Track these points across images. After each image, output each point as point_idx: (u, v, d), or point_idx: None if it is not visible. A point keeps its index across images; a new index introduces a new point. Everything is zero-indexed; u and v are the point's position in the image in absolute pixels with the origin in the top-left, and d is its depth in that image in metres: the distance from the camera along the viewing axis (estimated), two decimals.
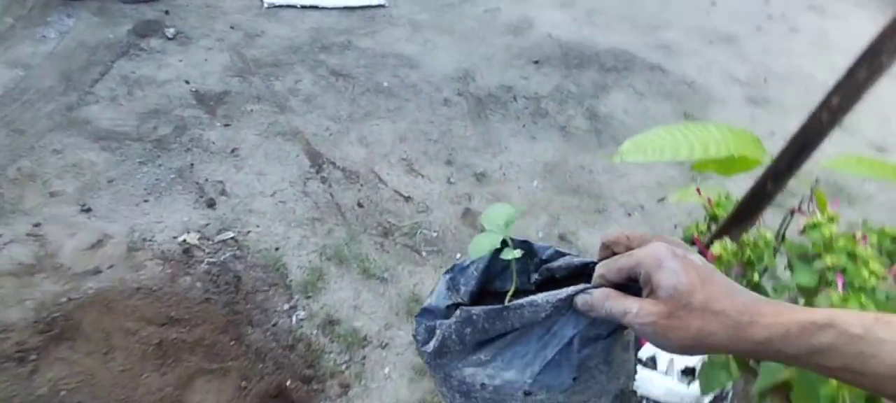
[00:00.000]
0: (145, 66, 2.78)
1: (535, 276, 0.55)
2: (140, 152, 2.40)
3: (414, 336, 0.55)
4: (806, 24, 4.75)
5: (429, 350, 0.52)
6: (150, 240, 2.12)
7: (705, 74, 3.79)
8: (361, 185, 2.52)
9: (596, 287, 0.46)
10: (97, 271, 1.99)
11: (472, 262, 0.55)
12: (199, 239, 2.17)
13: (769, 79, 3.91)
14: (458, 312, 0.50)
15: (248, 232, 2.23)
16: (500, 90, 3.23)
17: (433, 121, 2.92)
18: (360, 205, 2.44)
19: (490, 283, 0.56)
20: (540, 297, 0.47)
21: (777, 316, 0.39)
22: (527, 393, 0.48)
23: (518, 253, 0.53)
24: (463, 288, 0.55)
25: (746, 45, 4.25)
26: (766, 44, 4.32)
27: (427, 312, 0.55)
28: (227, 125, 2.61)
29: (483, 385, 0.49)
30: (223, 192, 2.34)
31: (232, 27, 3.17)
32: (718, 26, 4.39)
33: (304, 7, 3.41)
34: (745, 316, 0.40)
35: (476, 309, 0.49)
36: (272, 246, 2.20)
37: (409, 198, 2.51)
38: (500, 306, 0.48)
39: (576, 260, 0.52)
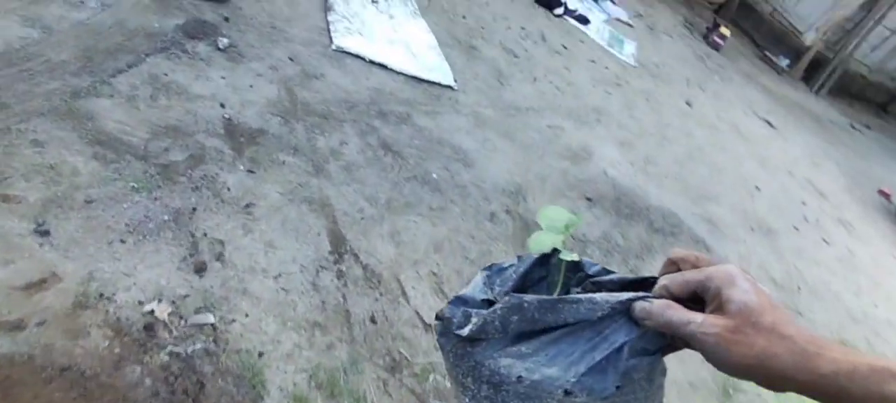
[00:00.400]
0: (182, 72, 2.24)
1: (576, 290, 0.49)
2: (138, 174, 1.82)
3: (446, 318, 0.49)
4: (836, 237, 4.44)
5: (463, 335, 0.47)
6: (109, 298, 1.52)
7: (744, 264, 3.38)
8: (381, 294, 1.97)
9: (657, 297, 0.43)
10: (19, 326, 1.38)
11: (511, 265, 0.51)
12: (170, 314, 1.58)
13: (802, 289, 3.53)
14: (506, 298, 0.46)
15: (233, 320, 1.65)
16: None
17: (474, 237, 2.41)
18: (372, 321, 1.88)
19: (523, 291, 0.49)
20: (599, 296, 0.44)
21: (846, 353, 0.37)
22: (567, 392, 0.43)
23: (575, 256, 0.50)
24: (498, 289, 0.50)
25: (783, 242, 3.89)
26: (800, 246, 3.98)
27: (461, 300, 0.51)
28: (251, 171, 2.06)
29: (519, 378, 0.44)
30: (220, 257, 1.77)
31: (291, 58, 2.67)
32: (760, 213, 4.04)
33: (372, 62, 2.94)
34: (812, 345, 0.38)
35: (528, 297, 0.45)
36: (256, 350, 1.62)
37: (429, 327, 1.96)
38: (555, 297, 0.45)
39: (629, 276, 0.48)
